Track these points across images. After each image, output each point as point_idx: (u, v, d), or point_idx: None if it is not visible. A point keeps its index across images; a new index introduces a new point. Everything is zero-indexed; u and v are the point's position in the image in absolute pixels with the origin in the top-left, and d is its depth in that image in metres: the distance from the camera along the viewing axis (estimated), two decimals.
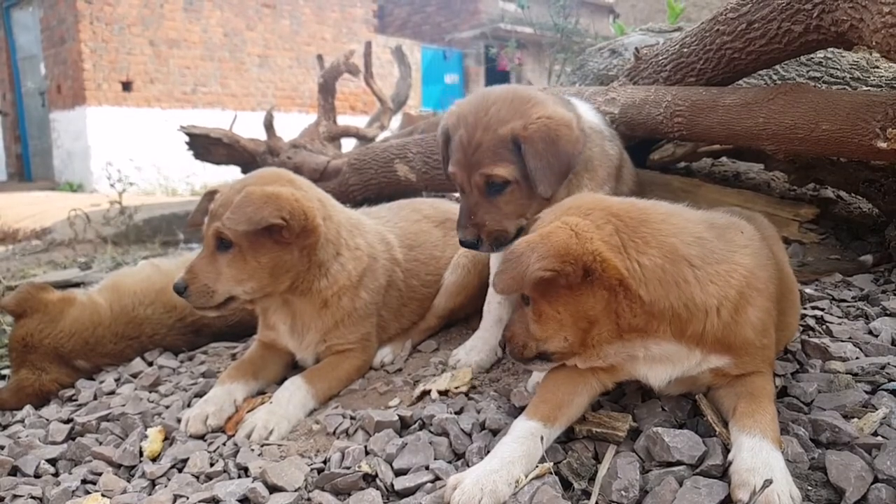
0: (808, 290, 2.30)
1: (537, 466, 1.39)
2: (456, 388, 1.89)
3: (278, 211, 1.92)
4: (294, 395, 1.99)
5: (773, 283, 1.47)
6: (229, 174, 12.20)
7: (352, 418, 1.86)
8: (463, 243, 1.86)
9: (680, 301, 1.35)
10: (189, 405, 2.14)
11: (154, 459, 1.86)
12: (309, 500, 1.52)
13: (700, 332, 1.38)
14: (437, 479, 1.48)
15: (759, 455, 1.26)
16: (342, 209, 2.32)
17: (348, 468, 1.58)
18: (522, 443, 1.40)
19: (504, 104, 1.78)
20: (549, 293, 1.40)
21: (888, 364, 1.70)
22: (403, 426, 1.77)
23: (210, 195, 2.21)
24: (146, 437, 1.93)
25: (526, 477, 1.36)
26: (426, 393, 1.91)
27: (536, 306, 1.44)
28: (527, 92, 1.87)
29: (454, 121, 1.85)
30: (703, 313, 1.37)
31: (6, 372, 2.73)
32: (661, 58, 2.87)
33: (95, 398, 2.35)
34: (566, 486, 1.38)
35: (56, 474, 1.89)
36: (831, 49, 2.76)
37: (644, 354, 1.43)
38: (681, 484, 1.29)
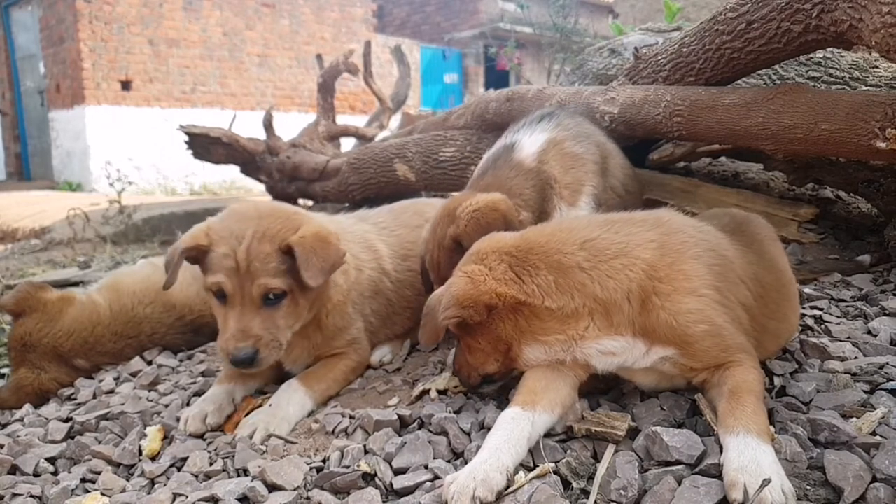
0: (806, 290, 2.30)
1: (537, 466, 1.40)
2: (455, 387, 1.89)
3: (338, 254, 1.98)
4: (293, 398, 1.99)
5: (706, 275, 1.52)
6: (229, 174, 12.25)
7: (351, 417, 1.86)
8: None
9: (588, 300, 1.51)
10: (188, 404, 2.14)
11: (153, 458, 1.86)
12: (308, 498, 1.52)
13: (625, 321, 1.50)
14: (436, 478, 1.48)
15: (745, 452, 1.26)
16: (329, 220, 2.30)
17: (347, 467, 1.58)
18: (504, 429, 1.45)
19: (441, 219, 2.02)
20: (468, 331, 1.62)
21: (887, 364, 1.70)
22: (402, 425, 1.77)
23: (188, 251, 1.93)
24: (145, 435, 1.93)
25: (515, 462, 1.39)
26: (425, 392, 1.91)
27: (464, 342, 1.67)
28: (443, 202, 2.04)
29: (423, 247, 2.12)
30: (614, 306, 1.50)
31: (5, 371, 2.74)
32: (660, 57, 2.87)
33: (94, 397, 2.35)
34: (565, 485, 1.38)
35: (55, 473, 1.89)
36: (831, 49, 2.77)
37: (569, 359, 1.55)
38: (679, 483, 1.29)
